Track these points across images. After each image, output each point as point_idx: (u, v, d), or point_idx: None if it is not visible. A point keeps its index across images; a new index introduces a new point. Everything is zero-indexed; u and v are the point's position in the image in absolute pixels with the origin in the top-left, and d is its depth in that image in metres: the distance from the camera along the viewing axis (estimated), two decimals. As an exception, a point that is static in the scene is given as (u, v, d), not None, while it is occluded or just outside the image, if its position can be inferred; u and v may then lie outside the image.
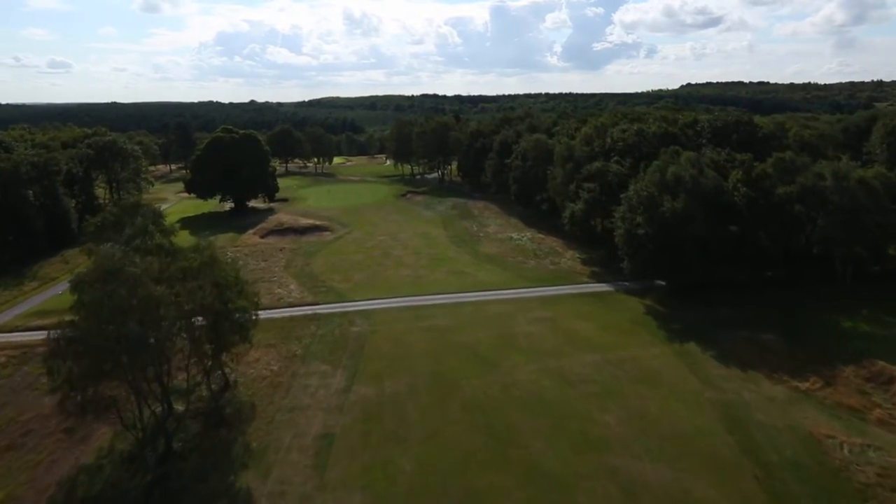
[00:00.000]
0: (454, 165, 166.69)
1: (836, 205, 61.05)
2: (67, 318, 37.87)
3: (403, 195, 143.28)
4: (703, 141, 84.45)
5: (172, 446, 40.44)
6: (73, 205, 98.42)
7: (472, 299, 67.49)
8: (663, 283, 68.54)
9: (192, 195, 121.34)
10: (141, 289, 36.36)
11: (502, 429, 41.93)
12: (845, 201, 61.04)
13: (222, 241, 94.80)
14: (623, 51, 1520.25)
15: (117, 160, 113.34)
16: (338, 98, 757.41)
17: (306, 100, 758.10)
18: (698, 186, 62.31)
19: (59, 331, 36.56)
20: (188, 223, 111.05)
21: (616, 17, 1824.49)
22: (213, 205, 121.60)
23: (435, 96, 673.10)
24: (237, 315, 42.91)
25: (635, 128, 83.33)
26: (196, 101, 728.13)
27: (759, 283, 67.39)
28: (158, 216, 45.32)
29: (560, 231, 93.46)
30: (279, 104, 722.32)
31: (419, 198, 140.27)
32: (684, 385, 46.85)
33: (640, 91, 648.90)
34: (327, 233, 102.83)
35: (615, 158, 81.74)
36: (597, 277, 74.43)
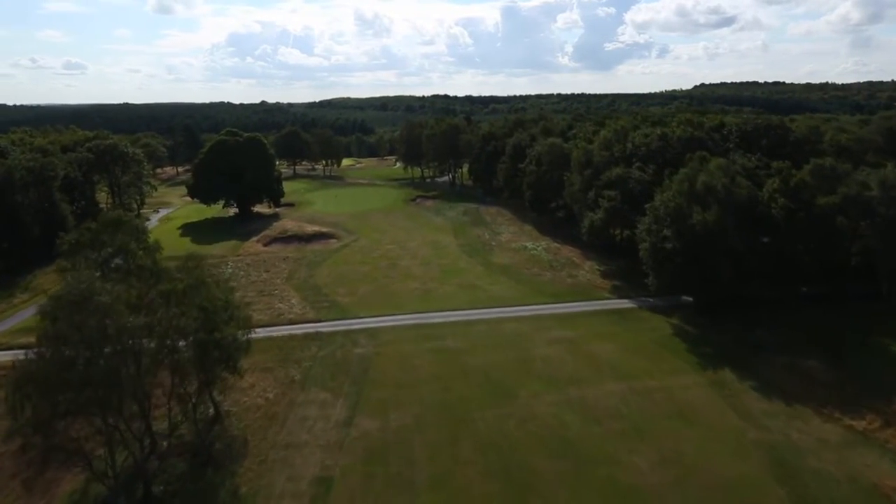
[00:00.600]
0: (465, 169, 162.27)
1: (884, 216, 55.89)
2: (33, 350, 33.78)
3: (413, 200, 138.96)
4: (731, 145, 79.31)
5: (152, 491, 36.26)
6: (72, 211, 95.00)
7: (485, 317, 62.92)
8: (690, 299, 63.71)
9: (196, 200, 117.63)
10: (114, 318, 32.21)
11: (520, 473, 37.36)
12: (893, 212, 55.88)
13: (224, 250, 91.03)
14: (635, 51, 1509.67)
15: (118, 164, 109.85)
16: (348, 99, 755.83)
17: (317, 100, 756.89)
18: (731, 197, 57.36)
19: (22, 363, 32.51)
20: (190, 229, 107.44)
21: (628, 16, 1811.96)
22: (217, 210, 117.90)
23: (446, 97, 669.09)
24: (226, 344, 38.56)
25: (658, 132, 78.36)
26: (207, 101, 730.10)
27: (795, 300, 62.28)
28: (141, 233, 41.24)
29: (577, 240, 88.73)
30: (290, 105, 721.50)
31: (429, 203, 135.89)
32: (723, 422, 42.01)
33: (653, 91, 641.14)
34: (333, 240, 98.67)
35: (637, 164, 76.84)
36: (618, 292, 69.61)
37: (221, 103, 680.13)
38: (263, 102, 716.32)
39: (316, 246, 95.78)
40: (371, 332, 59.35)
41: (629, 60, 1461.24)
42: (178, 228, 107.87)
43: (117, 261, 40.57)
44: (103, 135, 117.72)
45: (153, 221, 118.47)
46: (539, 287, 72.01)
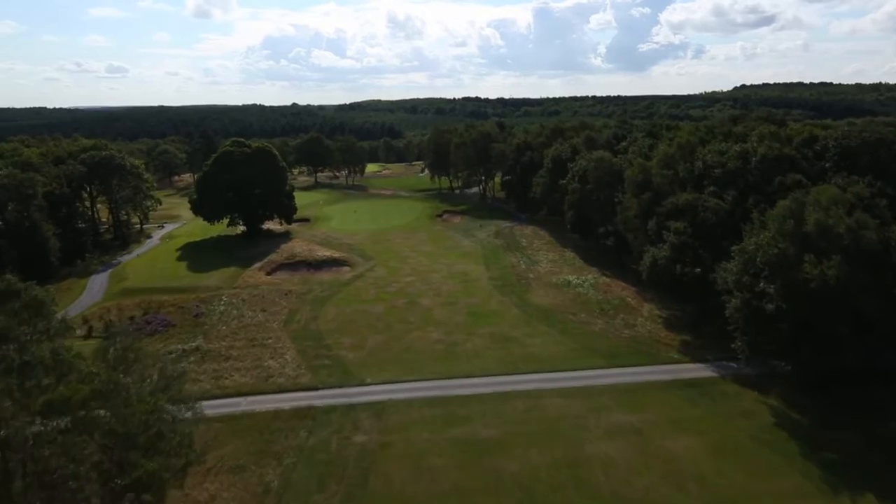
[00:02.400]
0: (497, 179, 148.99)
1: None
2: None
3: (439, 215, 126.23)
4: (828, 164, 64.31)
5: None
6: (56, 232, 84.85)
7: (523, 386, 49.49)
8: (785, 363, 49.29)
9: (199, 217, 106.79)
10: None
11: None
12: None
13: (220, 280, 79.46)
14: (670, 51, 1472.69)
15: (115, 177, 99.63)
16: (378, 101, 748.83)
17: (347, 102, 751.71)
18: (858, 243, 42.89)
19: None
20: (190, 251, 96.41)
21: (663, 16, 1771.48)
22: (223, 227, 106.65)
23: (477, 99, 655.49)
24: (146, 481, 26.07)
25: (737, 149, 63.73)
26: (240, 104, 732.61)
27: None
28: (40, 306, 29.51)
29: (631, 273, 74.90)
30: (320, 107, 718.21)
31: (457, 219, 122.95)
32: None
33: (692, 93, 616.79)
34: (346, 268, 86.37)
35: (710, 189, 62.47)
36: (690, 351, 55.46)
37: (252, 105, 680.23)
38: (294, 105, 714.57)
39: (326, 275, 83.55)
40: (378, 409, 46.50)
41: (664, 61, 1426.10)
42: (178, 249, 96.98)
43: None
44: (101, 144, 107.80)
45: (154, 240, 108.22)
46: (589, 341, 58.26)
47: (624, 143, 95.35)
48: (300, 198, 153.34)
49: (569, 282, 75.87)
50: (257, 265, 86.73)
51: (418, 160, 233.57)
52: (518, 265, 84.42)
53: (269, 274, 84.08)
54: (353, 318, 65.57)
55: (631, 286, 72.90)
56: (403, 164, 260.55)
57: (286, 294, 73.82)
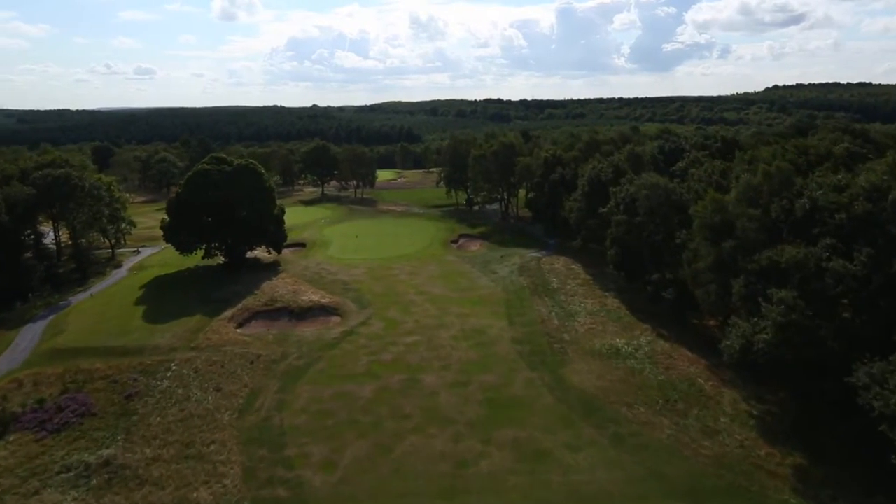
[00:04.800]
0: (521, 192, 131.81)
1: None
2: None
3: (454, 241, 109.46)
4: None
5: None
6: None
7: (567, 560, 32.51)
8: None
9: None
10: None
11: None
12: None
13: (176, 336, 63.56)
14: (695, 51, 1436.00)
15: (70, 200, 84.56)
16: (399, 102, 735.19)
17: (369, 104, 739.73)
18: None
19: None
20: (155, 290, 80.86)
21: (688, 16, 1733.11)
22: (200, 257, 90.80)
23: (499, 101, 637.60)
24: None
25: (864, 184, 45.80)
26: (263, 105, 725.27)
27: None
28: None
29: (696, 335, 57.70)
30: (340, 108, 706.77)
31: (475, 245, 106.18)
32: None
33: (719, 94, 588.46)
34: (335, 319, 70.04)
35: (827, 240, 44.65)
36: (812, 489, 37.84)
37: (270, 108, 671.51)
38: (314, 106, 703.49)
39: (309, 329, 67.29)
40: None
41: (688, 61, 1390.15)
42: (142, 287, 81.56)
43: None
44: (60, 160, 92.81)
45: (122, 270, 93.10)
46: (655, 462, 40.91)
47: (681, 164, 77.67)
48: (303, 213, 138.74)
49: (617, 349, 58.45)
50: (228, 313, 70.70)
51: (436, 167, 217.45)
52: (549, 319, 67.13)
53: (240, 326, 68.06)
54: (332, 408, 48.99)
55: (701, 358, 55.33)
56: (420, 170, 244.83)
57: (252, 362, 57.52)
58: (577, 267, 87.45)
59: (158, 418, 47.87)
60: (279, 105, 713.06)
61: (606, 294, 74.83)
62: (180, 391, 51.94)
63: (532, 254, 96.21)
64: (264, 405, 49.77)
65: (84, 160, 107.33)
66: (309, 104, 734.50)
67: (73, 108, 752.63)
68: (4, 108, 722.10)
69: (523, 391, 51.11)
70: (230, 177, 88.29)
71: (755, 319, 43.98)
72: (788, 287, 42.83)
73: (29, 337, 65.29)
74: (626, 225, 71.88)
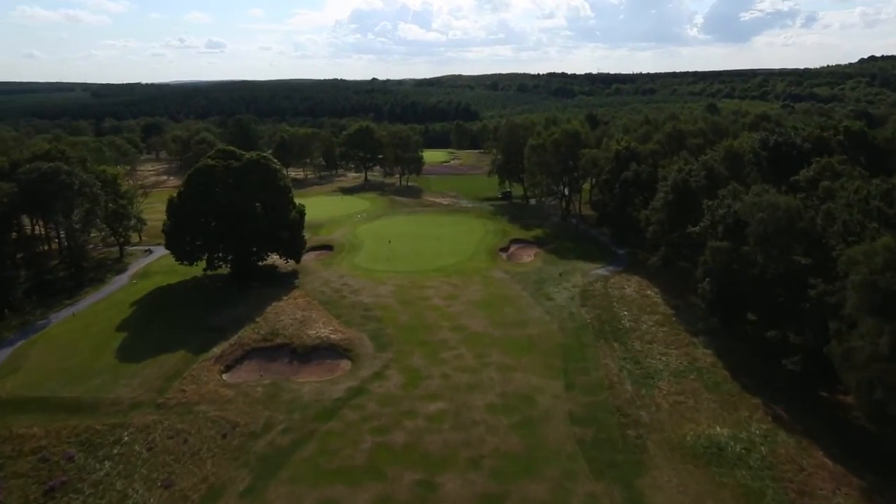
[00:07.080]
0: (585, 187, 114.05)
1: None
2: None
3: (504, 248, 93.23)
4: None
5: None
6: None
7: None
8: None
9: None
10: None
11: None
12: None
13: (145, 386, 51.02)
14: (776, 20, 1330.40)
15: (58, 201, 73.39)
16: (459, 76, 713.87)
17: (428, 77, 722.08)
18: None
19: None
20: (146, 308, 69.03)
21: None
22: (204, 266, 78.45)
23: (563, 75, 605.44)
24: None
25: None
26: (326, 78, 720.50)
27: None
28: None
29: (833, 424, 40.36)
30: (399, 82, 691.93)
31: (528, 256, 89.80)
32: None
33: (803, 67, 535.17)
34: (343, 364, 55.78)
35: None
36: None
37: (330, 80, 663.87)
38: (374, 80, 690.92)
39: (309, 379, 53.29)
40: None
41: (768, 31, 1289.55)
42: (132, 305, 69.97)
43: None
44: (56, 151, 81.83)
45: (124, 277, 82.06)
46: None
47: (807, 172, 58.41)
48: (340, 204, 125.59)
49: (719, 446, 41.42)
50: (218, 349, 57.68)
51: (492, 149, 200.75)
52: (620, 382, 50.44)
53: (225, 371, 54.79)
54: (308, 534, 34.79)
55: (849, 473, 37.83)
56: (476, 151, 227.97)
57: (225, 435, 43.94)
58: (653, 293, 70.02)
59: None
60: (340, 78, 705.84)
61: (695, 341, 57.30)
62: (118, 485, 38.88)
63: (597, 270, 79.21)
64: (221, 517, 36.10)
65: (83, 153, 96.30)
66: (370, 77, 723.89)
67: (146, 82, 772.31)
68: (84, 81, 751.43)
69: (584, 520, 35.31)
70: (238, 174, 75.04)
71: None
72: None
73: (-20, 375, 54.28)
74: (726, 254, 53.99)
